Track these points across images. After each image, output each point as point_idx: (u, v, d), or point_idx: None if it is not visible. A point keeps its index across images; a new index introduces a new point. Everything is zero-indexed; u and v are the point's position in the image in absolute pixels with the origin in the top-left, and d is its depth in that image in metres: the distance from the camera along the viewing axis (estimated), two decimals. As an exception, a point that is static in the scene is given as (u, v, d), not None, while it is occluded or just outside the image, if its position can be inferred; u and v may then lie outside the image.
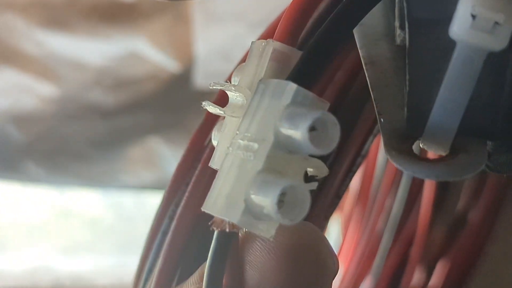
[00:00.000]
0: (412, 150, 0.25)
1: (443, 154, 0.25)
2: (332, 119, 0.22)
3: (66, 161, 1.04)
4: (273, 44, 0.25)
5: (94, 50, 0.98)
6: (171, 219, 0.33)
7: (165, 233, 0.33)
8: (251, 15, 0.94)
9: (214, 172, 0.25)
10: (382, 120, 0.26)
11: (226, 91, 0.27)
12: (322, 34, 0.24)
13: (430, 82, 0.25)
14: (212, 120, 0.34)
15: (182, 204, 0.32)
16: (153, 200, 1.09)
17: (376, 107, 0.27)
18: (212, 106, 0.27)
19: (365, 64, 0.29)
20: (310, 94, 0.23)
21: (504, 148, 0.26)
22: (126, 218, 1.11)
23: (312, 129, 0.22)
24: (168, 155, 1.03)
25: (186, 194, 0.32)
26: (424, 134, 0.25)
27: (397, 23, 0.28)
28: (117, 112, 1.01)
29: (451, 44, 0.23)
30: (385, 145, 0.25)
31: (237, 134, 0.24)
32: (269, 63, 0.25)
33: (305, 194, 0.22)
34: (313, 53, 0.24)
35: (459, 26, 0.23)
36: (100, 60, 0.99)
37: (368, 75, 0.28)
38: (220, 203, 0.24)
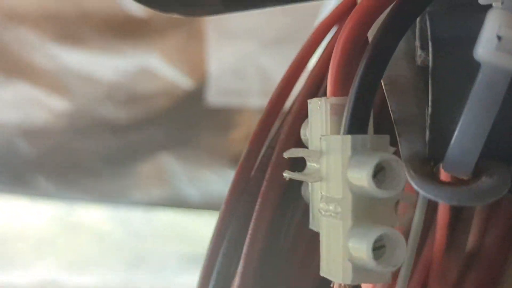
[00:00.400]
0: (433, 173, 0.24)
1: (465, 178, 0.24)
2: (393, 158, 0.22)
3: (76, 176, 1.04)
4: (329, 101, 0.26)
5: (106, 65, 0.99)
6: (225, 256, 0.32)
7: (220, 273, 0.33)
8: (264, 33, 0.94)
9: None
10: (402, 141, 0.26)
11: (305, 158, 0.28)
12: (361, 79, 0.25)
13: (454, 104, 0.24)
14: (255, 151, 0.34)
15: (246, 247, 0.31)
16: (163, 217, 1.08)
17: (397, 128, 0.27)
18: (295, 174, 0.27)
19: (385, 84, 0.28)
20: (367, 137, 0.24)
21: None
22: (135, 234, 1.10)
23: (379, 168, 0.22)
24: (178, 172, 1.02)
25: (249, 235, 0.31)
26: (446, 157, 0.24)
27: (417, 43, 0.28)
28: (129, 128, 1.01)
29: (476, 65, 0.23)
30: (406, 167, 0.24)
31: (321, 196, 0.25)
32: (331, 118, 0.26)
33: (398, 235, 0.23)
34: (356, 100, 0.24)
35: (484, 47, 0.22)
36: (112, 75, 0.99)
37: (387, 96, 0.28)
38: (332, 267, 0.25)
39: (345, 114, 0.25)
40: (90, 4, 0.96)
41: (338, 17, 0.36)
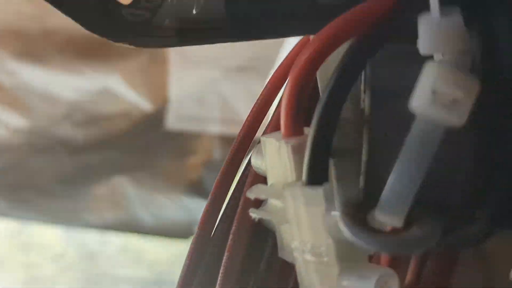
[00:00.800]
0: (366, 220, 0.25)
1: (397, 226, 0.24)
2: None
3: (30, 195, 1.03)
4: (288, 144, 0.27)
5: (66, 84, 0.98)
6: None
7: None
8: (227, 60, 0.94)
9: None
10: (338, 186, 0.26)
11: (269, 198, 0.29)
12: (315, 134, 0.26)
13: (388, 152, 0.24)
14: (218, 202, 0.34)
15: None
16: (116, 240, 1.08)
17: (335, 173, 0.27)
18: (261, 212, 0.29)
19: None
20: (333, 185, 0.26)
21: (461, 222, 0.26)
22: (88, 256, 1.09)
23: None
24: (133, 196, 1.02)
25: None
26: (379, 204, 0.24)
27: (362, 87, 0.28)
28: (85, 149, 1.00)
29: (411, 116, 0.23)
30: (340, 212, 0.25)
31: (293, 241, 0.27)
32: (293, 158, 0.27)
33: (393, 274, 0.25)
34: (315, 153, 0.26)
35: (419, 100, 0.22)
36: (72, 95, 0.98)
37: (330, 138, 0.28)
38: None
39: (306, 163, 0.25)
40: (53, 22, 0.95)
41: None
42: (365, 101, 0.26)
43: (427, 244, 0.24)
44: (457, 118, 0.22)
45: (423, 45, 0.24)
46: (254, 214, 0.29)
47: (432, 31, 0.24)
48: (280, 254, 0.29)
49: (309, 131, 0.26)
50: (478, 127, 0.24)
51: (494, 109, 0.24)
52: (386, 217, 0.24)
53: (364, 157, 0.26)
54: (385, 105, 0.25)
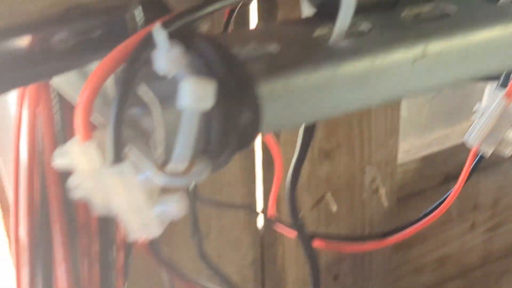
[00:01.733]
0: (168, 171, 0.43)
1: (185, 168, 0.43)
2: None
3: None
4: (89, 145, 0.41)
5: None
6: None
7: None
8: None
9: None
10: (140, 158, 0.43)
11: None
12: (115, 129, 0.40)
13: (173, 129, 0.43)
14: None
15: None
16: None
17: (135, 149, 0.44)
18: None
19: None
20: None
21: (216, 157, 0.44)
22: None
23: None
24: None
25: None
26: (173, 160, 0.42)
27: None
28: None
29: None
30: (154, 170, 0.43)
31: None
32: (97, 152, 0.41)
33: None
34: (116, 141, 0.41)
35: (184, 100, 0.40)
36: None
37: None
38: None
39: (112, 154, 0.40)
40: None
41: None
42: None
43: (205, 172, 0.43)
44: (208, 104, 0.40)
45: (159, 69, 0.40)
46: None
47: (163, 59, 0.40)
48: None
49: (108, 129, 0.40)
50: (219, 106, 0.41)
51: (227, 95, 0.41)
52: (178, 165, 0.43)
53: (159, 136, 0.43)
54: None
